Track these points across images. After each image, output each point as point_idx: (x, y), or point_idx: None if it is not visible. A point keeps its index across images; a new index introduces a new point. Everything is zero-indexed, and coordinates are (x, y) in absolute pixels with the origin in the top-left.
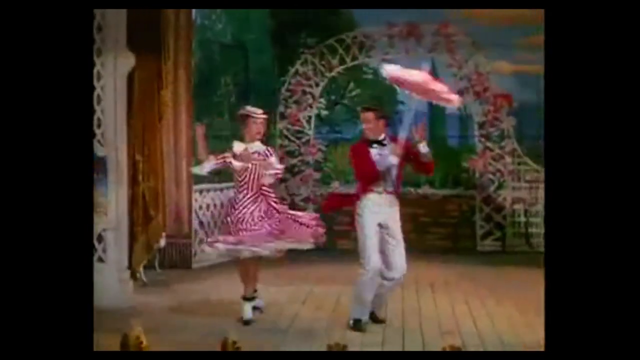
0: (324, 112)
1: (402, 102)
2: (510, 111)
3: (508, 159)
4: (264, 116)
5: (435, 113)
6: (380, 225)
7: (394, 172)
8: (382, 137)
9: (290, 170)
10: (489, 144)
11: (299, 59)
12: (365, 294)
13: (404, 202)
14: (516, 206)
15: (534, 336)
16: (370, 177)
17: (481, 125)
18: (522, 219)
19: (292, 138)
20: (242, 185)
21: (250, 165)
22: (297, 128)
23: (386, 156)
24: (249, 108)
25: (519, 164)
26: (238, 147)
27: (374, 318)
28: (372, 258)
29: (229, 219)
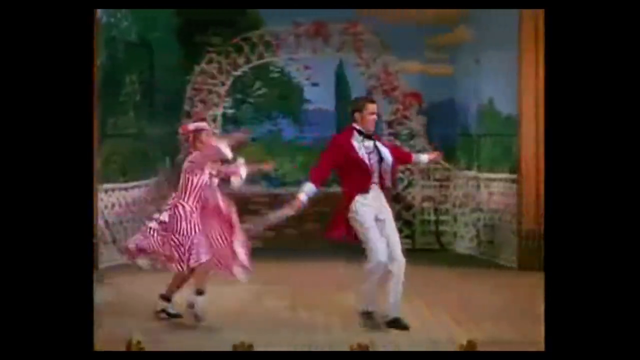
0: (230, 111)
1: (309, 101)
2: (420, 110)
3: None
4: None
5: (342, 111)
6: (376, 219)
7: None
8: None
9: None
10: (397, 143)
11: (204, 57)
12: (374, 286)
13: (312, 200)
14: (425, 204)
15: (444, 334)
16: (358, 171)
17: (390, 124)
18: (432, 217)
19: None
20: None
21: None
22: None
23: (372, 149)
24: (196, 123)
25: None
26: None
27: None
28: (379, 247)
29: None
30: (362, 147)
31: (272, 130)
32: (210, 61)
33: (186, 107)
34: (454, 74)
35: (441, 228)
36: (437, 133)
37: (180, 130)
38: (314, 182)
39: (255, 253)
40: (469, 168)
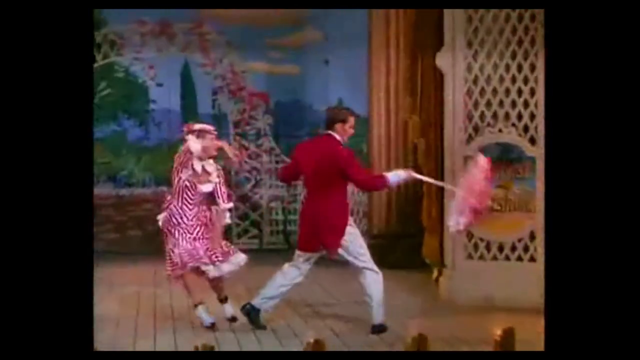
0: None
1: (154, 101)
2: (267, 110)
3: (265, 157)
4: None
5: (188, 111)
6: None
7: None
8: None
9: None
10: (244, 143)
11: None
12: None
13: (157, 201)
14: (273, 204)
15: (291, 333)
16: None
17: (237, 124)
18: (280, 216)
19: None
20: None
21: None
22: None
23: None
24: (201, 125)
25: (276, 162)
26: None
27: None
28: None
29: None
30: None
31: (117, 130)
32: None
33: None
34: (302, 75)
35: (289, 227)
36: (285, 132)
37: (184, 129)
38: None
39: None
40: None
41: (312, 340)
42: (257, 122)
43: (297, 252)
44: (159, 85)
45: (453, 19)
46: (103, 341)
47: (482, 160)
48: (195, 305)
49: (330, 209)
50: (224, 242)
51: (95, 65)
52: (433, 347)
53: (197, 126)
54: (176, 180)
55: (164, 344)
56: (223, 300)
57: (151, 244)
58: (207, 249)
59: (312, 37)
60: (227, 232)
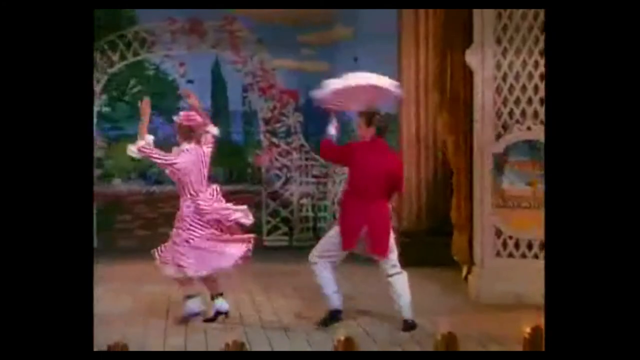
0: (105, 109)
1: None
2: (297, 108)
3: (295, 155)
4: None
5: (219, 109)
6: None
7: None
8: None
9: None
10: (274, 140)
11: None
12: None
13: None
14: (303, 201)
15: (322, 333)
16: None
17: (267, 122)
18: (310, 213)
19: None
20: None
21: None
22: None
23: None
24: (210, 126)
25: (306, 159)
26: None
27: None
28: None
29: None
30: None
31: (148, 128)
32: None
33: None
34: (331, 72)
35: (319, 225)
36: (314, 130)
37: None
38: None
39: None
40: None
41: (342, 338)
42: (287, 119)
43: (336, 250)
44: (190, 82)
45: (482, 16)
46: (133, 339)
47: None
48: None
49: (386, 214)
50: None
51: (126, 62)
52: (463, 345)
53: (200, 120)
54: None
55: (195, 342)
56: (216, 296)
57: None
58: None
59: (342, 34)
60: (258, 230)
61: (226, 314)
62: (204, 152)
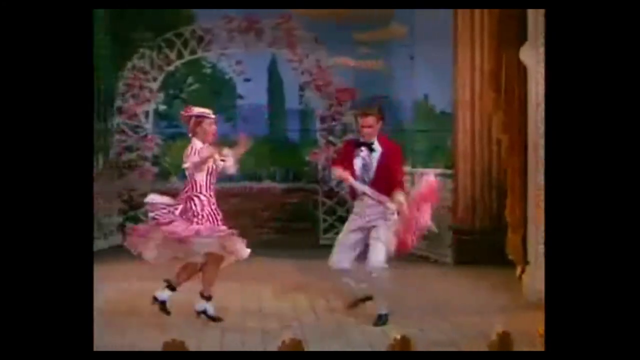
0: (162, 107)
1: (241, 97)
2: (353, 106)
3: None
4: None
5: (275, 107)
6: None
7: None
8: (372, 140)
9: (127, 165)
10: (331, 138)
11: (136, 52)
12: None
13: (244, 196)
14: None
15: (379, 331)
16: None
17: (323, 120)
18: None
19: (130, 133)
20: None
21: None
22: (134, 123)
23: (369, 162)
24: (200, 109)
25: None
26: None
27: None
28: (332, 257)
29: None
30: (358, 156)
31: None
32: (142, 56)
33: (118, 103)
34: (388, 70)
35: None
36: None
37: (183, 112)
38: None
39: None
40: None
41: (398, 337)
42: (343, 117)
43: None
44: (247, 80)
45: (537, 13)
46: (191, 336)
47: (430, 180)
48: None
49: None
50: None
51: (183, 60)
52: (517, 344)
53: (196, 110)
54: (198, 177)
55: (251, 341)
56: (209, 298)
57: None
58: None
59: (398, 32)
60: (315, 228)
61: (210, 317)
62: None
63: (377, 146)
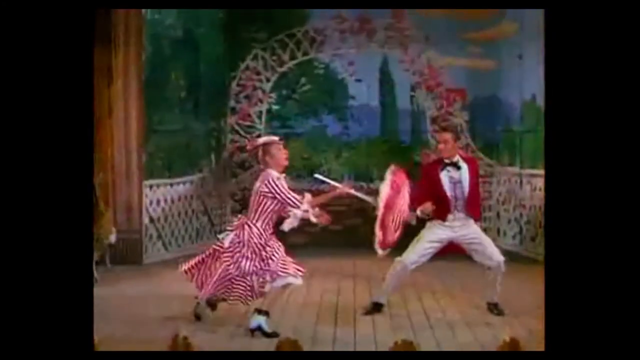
0: (275, 107)
1: (352, 97)
2: (464, 106)
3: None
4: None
5: (387, 107)
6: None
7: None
8: (456, 158)
9: (241, 165)
10: None
11: (249, 53)
12: (394, 282)
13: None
14: None
15: (490, 333)
16: (439, 200)
17: (434, 120)
18: None
19: (243, 133)
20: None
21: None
22: (247, 123)
23: (458, 180)
24: (264, 138)
25: None
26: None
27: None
28: (410, 255)
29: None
30: (446, 176)
31: (317, 126)
32: (255, 57)
33: (231, 103)
34: (498, 70)
35: (484, 224)
36: (480, 129)
37: (248, 147)
38: None
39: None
40: (511, 164)
41: (508, 339)
42: (454, 118)
43: None
44: (358, 81)
45: None
46: (305, 333)
47: (394, 168)
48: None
49: None
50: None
51: (296, 61)
52: None
53: (260, 140)
54: (268, 204)
55: (363, 339)
56: (265, 312)
57: (351, 238)
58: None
59: (508, 30)
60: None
61: (265, 333)
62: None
63: (462, 163)
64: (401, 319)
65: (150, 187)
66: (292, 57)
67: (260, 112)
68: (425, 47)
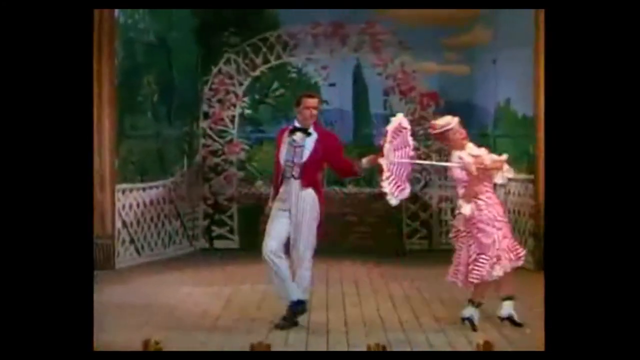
0: (248, 112)
1: (326, 102)
2: (437, 110)
3: (435, 158)
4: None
5: (360, 112)
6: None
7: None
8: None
9: (213, 169)
10: (414, 143)
11: (222, 58)
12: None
13: (329, 201)
14: (443, 204)
15: (460, 334)
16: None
17: None
18: (449, 217)
19: (216, 137)
20: None
21: None
22: (220, 127)
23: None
24: (447, 123)
25: (446, 162)
26: None
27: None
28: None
29: None
30: (286, 142)
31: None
32: (227, 61)
33: (204, 108)
34: (472, 74)
35: None
36: None
37: (434, 131)
38: None
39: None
40: None
41: (481, 342)
42: (427, 122)
43: None
44: (332, 85)
45: None
46: (279, 337)
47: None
48: (477, 304)
49: None
50: None
51: (268, 65)
52: None
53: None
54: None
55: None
56: (510, 297)
57: None
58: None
59: (481, 36)
60: (398, 232)
61: (515, 323)
62: None
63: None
64: (374, 323)
65: (123, 191)
66: (265, 61)
67: (233, 116)
68: (399, 51)
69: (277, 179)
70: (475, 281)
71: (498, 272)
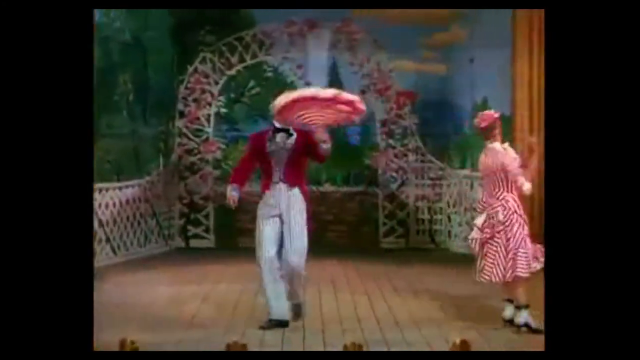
0: (224, 110)
1: None
2: (414, 109)
3: (411, 157)
4: None
5: None
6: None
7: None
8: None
9: (189, 168)
10: (391, 142)
11: (198, 57)
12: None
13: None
14: (419, 203)
15: (437, 332)
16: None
17: (383, 123)
18: (426, 216)
19: (191, 136)
20: None
21: None
22: (196, 126)
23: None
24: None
25: (422, 161)
26: None
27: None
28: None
29: None
30: (272, 143)
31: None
32: (203, 60)
33: (179, 107)
34: (448, 73)
35: (435, 227)
36: (430, 132)
37: (483, 124)
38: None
39: None
40: (462, 167)
41: (458, 341)
42: (403, 121)
43: None
44: (308, 84)
45: None
46: (253, 337)
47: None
48: (525, 306)
49: None
50: None
51: (244, 64)
52: None
53: (497, 115)
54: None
55: (313, 343)
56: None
57: None
58: None
59: (458, 35)
60: (375, 231)
61: (532, 329)
62: None
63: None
64: (351, 321)
65: (99, 190)
66: (241, 60)
67: (209, 115)
68: (375, 50)
69: (242, 176)
70: (524, 275)
71: (536, 265)
